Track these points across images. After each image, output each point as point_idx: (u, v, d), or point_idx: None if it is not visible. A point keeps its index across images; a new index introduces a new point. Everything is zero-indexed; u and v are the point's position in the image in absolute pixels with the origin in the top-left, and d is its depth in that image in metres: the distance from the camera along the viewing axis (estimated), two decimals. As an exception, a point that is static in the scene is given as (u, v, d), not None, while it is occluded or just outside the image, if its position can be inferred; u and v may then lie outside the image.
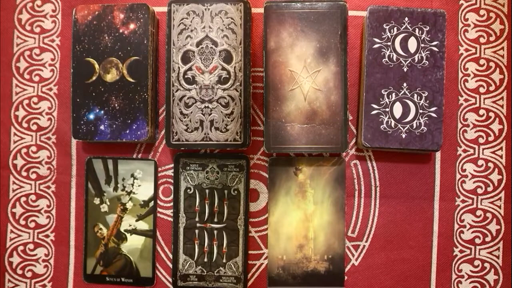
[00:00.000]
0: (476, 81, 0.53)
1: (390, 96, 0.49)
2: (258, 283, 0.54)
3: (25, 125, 0.55)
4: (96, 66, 0.51)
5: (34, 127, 0.55)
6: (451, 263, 0.53)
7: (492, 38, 0.53)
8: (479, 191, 0.53)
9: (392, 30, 0.50)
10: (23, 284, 0.55)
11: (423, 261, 0.53)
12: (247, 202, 0.53)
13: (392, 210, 0.53)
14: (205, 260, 0.53)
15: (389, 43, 0.50)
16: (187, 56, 0.51)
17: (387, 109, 0.50)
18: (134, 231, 0.54)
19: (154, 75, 0.53)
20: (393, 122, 0.49)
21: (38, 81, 0.55)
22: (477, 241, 0.53)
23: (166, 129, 0.51)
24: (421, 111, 0.49)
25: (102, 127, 0.51)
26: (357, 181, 0.53)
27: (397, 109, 0.49)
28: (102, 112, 0.51)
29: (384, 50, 0.50)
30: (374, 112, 0.50)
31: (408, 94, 0.49)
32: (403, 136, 0.49)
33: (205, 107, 0.50)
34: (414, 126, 0.49)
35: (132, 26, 0.51)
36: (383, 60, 0.50)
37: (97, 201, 0.54)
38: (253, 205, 0.54)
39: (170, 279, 0.54)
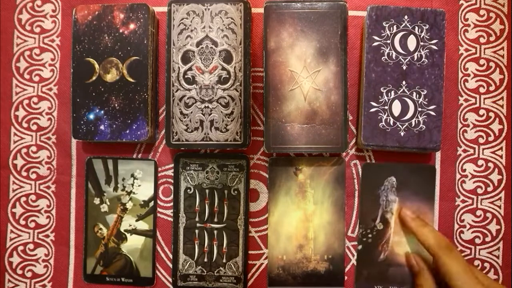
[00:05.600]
0: (476, 81, 0.53)
1: (389, 94, 0.50)
2: (258, 283, 0.54)
3: (25, 125, 0.55)
4: (96, 66, 0.51)
5: (34, 127, 0.55)
6: (451, 263, 0.53)
7: (492, 38, 0.53)
8: (479, 191, 0.53)
9: (391, 28, 0.50)
10: (23, 284, 0.55)
11: (423, 261, 0.53)
12: (247, 202, 0.53)
13: (392, 210, 0.53)
14: (205, 260, 0.53)
15: (388, 41, 0.50)
16: (187, 56, 0.51)
17: (386, 107, 0.50)
18: (134, 231, 0.54)
19: (154, 75, 0.53)
20: (391, 120, 0.49)
21: (38, 81, 0.55)
22: (477, 241, 0.53)
23: (166, 129, 0.51)
24: (420, 109, 0.49)
25: (102, 127, 0.51)
26: (357, 181, 0.53)
27: (396, 107, 0.50)
28: (102, 112, 0.51)
29: (384, 48, 0.50)
30: (373, 110, 0.50)
31: (407, 92, 0.50)
32: (402, 134, 0.49)
33: (205, 107, 0.50)
34: (413, 124, 0.49)
35: (132, 26, 0.51)
36: (382, 58, 0.50)
37: (97, 201, 0.54)
38: (253, 205, 0.54)
39: (170, 279, 0.54)
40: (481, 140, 0.53)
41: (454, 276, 0.44)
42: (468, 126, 0.53)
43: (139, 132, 0.51)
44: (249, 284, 0.54)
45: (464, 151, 0.53)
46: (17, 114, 0.55)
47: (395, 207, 0.52)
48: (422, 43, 0.50)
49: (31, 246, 0.55)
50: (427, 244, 0.48)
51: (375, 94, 0.50)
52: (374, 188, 0.53)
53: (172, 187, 0.54)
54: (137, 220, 0.54)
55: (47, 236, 0.55)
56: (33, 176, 0.55)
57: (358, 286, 0.53)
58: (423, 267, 0.50)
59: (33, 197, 0.55)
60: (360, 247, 0.53)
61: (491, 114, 0.53)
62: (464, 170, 0.53)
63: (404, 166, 0.52)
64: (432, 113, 0.49)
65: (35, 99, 0.55)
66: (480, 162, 0.53)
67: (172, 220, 0.54)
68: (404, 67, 0.50)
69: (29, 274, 0.55)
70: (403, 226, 0.52)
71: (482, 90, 0.53)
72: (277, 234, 0.53)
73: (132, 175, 0.54)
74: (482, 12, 0.53)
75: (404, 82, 0.50)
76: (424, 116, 0.49)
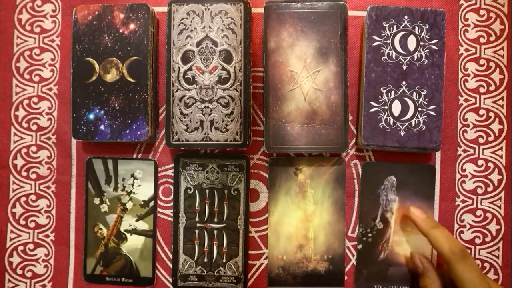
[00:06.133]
0: (476, 81, 0.53)
1: (389, 94, 0.50)
2: (258, 283, 0.54)
3: (25, 125, 0.55)
4: (96, 66, 0.51)
5: (34, 127, 0.55)
6: (451, 263, 0.53)
7: (492, 38, 0.53)
8: (479, 191, 0.53)
9: (391, 28, 0.50)
10: (23, 284, 0.55)
11: (423, 261, 0.53)
12: (247, 202, 0.53)
13: (392, 210, 0.53)
14: (205, 260, 0.53)
15: (388, 41, 0.50)
16: (187, 56, 0.51)
17: (386, 107, 0.50)
18: (134, 231, 0.54)
19: (154, 75, 0.53)
20: (391, 120, 0.49)
21: (38, 81, 0.55)
22: (477, 241, 0.53)
23: (166, 129, 0.51)
24: (420, 109, 0.49)
25: (102, 127, 0.51)
26: (357, 181, 0.53)
27: (396, 107, 0.50)
28: (102, 112, 0.51)
29: (384, 48, 0.50)
30: (373, 110, 0.50)
31: (407, 92, 0.50)
32: (402, 134, 0.49)
33: (205, 107, 0.50)
34: (413, 124, 0.49)
35: (132, 26, 0.51)
36: (382, 58, 0.50)
37: (97, 201, 0.54)
38: (253, 205, 0.54)
39: (170, 279, 0.54)
40: (481, 140, 0.53)
41: (467, 283, 0.43)
42: (468, 126, 0.53)
43: (139, 132, 0.51)
44: (249, 284, 0.54)
45: (464, 151, 0.53)
46: (17, 114, 0.55)
47: (395, 207, 0.52)
48: (422, 43, 0.50)
49: (31, 246, 0.55)
50: (439, 249, 0.45)
51: (375, 94, 0.50)
52: (374, 187, 0.53)
53: (172, 187, 0.54)
54: (137, 220, 0.54)
55: (47, 236, 0.55)
56: (33, 176, 0.55)
57: (358, 286, 0.53)
58: (429, 267, 0.49)
59: (33, 197, 0.55)
60: (360, 246, 0.53)
61: (491, 114, 0.53)
62: (464, 170, 0.53)
63: (404, 165, 0.52)
64: (432, 113, 0.49)
65: (35, 99, 0.55)
66: (480, 162, 0.53)
67: (172, 220, 0.54)
68: (404, 67, 0.50)
69: (29, 274, 0.55)
70: (415, 225, 0.50)
71: (482, 90, 0.53)
72: (277, 234, 0.53)
73: (132, 175, 0.54)
74: (482, 12, 0.53)
75: (404, 82, 0.50)
76: (424, 116, 0.49)
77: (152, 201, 0.54)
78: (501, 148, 0.53)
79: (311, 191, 0.53)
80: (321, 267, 0.53)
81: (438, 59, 0.50)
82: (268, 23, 0.50)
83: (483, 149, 0.53)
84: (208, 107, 0.50)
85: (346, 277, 0.53)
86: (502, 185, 0.53)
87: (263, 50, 0.50)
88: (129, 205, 0.54)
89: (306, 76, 0.50)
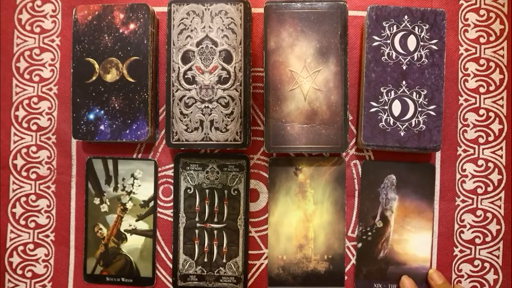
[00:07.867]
0: (476, 81, 0.53)
1: (389, 94, 0.50)
2: (258, 283, 0.54)
3: (25, 125, 0.55)
4: (96, 66, 0.51)
5: (34, 127, 0.55)
6: (451, 263, 0.53)
7: (492, 38, 0.53)
8: (479, 191, 0.53)
9: (391, 28, 0.50)
10: (23, 284, 0.55)
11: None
12: (247, 202, 0.53)
13: (392, 210, 0.53)
14: (205, 260, 0.53)
15: (388, 41, 0.50)
16: (187, 56, 0.51)
17: (386, 107, 0.50)
18: (134, 231, 0.54)
19: (154, 75, 0.53)
20: (391, 120, 0.49)
21: (38, 81, 0.55)
22: (477, 241, 0.53)
23: (166, 129, 0.51)
24: (420, 109, 0.49)
25: (102, 127, 0.51)
26: (357, 181, 0.53)
27: (396, 107, 0.50)
28: (102, 112, 0.51)
29: (384, 48, 0.50)
30: (373, 110, 0.50)
31: (407, 92, 0.50)
32: (402, 134, 0.49)
33: (205, 107, 0.50)
34: (413, 124, 0.49)
35: (132, 26, 0.51)
36: (382, 58, 0.50)
37: (97, 201, 0.54)
38: (253, 205, 0.54)
39: (170, 279, 0.54)
40: (481, 140, 0.53)
41: None
42: (468, 126, 0.53)
43: (139, 132, 0.51)
44: (249, 284, 0.54)
45: (464, 151, 0.53)
46: (17, 114, 0.55)
47: (395, 205, 0.52)
48: (422, 43, 0.50)
49: (31, 246, 0.55)
50: None
51: (375, 94, 0.50)
52: (374, 186, 0.53)
53: (172, 187, 0.54)
54: (137, 220, 0.54)
55: (47, 236, 0.55)
56: (33, 176, 0.55)
57: (357, 284, 0.53)
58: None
59: (33, 197, 0.55)
60: (359, 245, 0.53)
61: (491, 114, 0.53)
62: (464, 170, 0.53)
63: (404, 164, 0.52)
64: (432, 113, 0.49)
65: (35, 99, 0.55)
66: (480, 162, 0.53)
67: (172, 220, 0.54)
68: (404, 67, 0.50)
69: (29, 274, 0.55)
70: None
71: (482, 90, 0.53)
72: (277, 234, 0.53)
73: (132, 175, 0.54)
74: (482, 12, 0.53)
75: (404, 82, 0.50)
76: (424, 116, 0.49)
77: (152, 201, 0.54)
78: (501, 148, 0.53)
79: (311, 191, 0.53)
80: (321, 267, 0.53)
81: (438, 59, 0.50)
82: (268, 23, 0.50)
83: (483, 149, 0.53)
84: (208, 107, 0.50)
85: (346, 277, 0.53)
86: (502, 185, 0.53)
87: (263, 50, 0.50)
88: (129, 205, 0.54)
89: (306, 76, 0.50)
